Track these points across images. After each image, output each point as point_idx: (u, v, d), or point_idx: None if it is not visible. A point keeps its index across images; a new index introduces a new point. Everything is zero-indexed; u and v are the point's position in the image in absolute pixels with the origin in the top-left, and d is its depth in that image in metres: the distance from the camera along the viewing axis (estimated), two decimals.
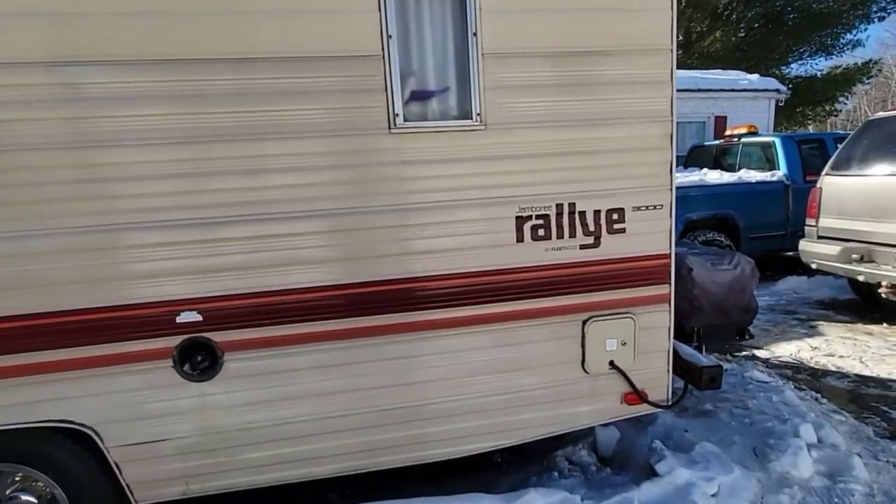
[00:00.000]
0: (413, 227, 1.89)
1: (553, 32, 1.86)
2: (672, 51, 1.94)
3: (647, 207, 2.04)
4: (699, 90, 9.20)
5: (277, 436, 1.92)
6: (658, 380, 2.19)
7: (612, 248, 2.04)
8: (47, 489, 1.91)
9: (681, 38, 17.34)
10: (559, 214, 1.97)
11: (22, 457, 1.83)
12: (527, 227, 1.95)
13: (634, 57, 1.93)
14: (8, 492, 1.93)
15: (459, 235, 1.92)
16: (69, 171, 1.64)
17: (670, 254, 2.09)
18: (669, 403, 2.22)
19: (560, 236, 1.98)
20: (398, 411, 1.98)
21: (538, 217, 1.95)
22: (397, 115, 1.79)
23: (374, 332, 1.91)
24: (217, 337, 1.81)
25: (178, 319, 1.77)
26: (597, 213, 2.00)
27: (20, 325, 1.64)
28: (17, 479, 1.92)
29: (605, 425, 2.73)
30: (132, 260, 1.72)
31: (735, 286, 2.83)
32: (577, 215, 1.98)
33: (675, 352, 2.36)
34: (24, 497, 1.93)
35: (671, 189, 2.04)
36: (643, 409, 2.20)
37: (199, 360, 1.82)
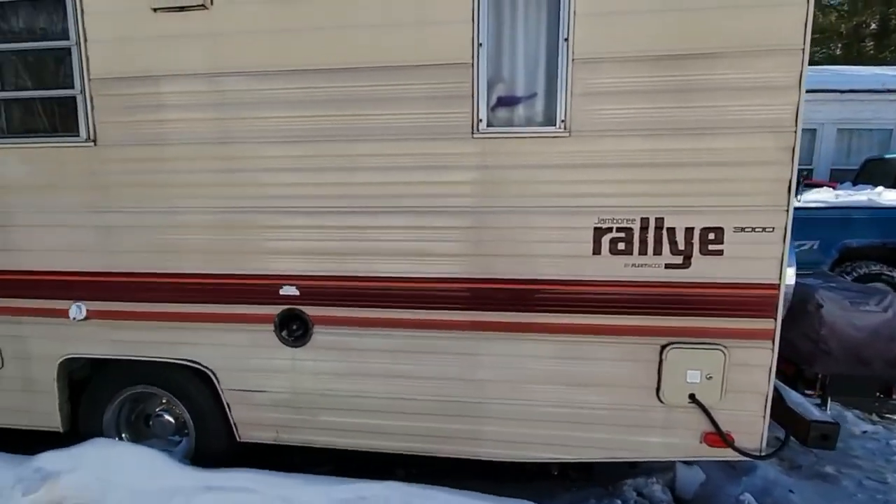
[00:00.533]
0: (487, 229, 1.94)
1: (654, 35, 1.75)
2: (804, 51, 1.68)
3: (753, 229, 1.80)
4: (887, 90, 7.47)
5: (351, 406, 2.15)
6: (750, 425, 1.92)
7: (704, 270, 1.84)
8: (181, 414, 2.40)
9: (873, 26, 14.28)
10: (643, 229, 1.84)
11: (166, 384, 2.33)
12: (605, 239, 1.87)
13: (751, 59, 1.71)
14: (157, 409, 2.49)
15: (532, 242, 1.92)
16: (213, 161, 2.04)
17: (779, 284, 1.81)
18: (762, 454, 1.94)
19: (643, 252, 1.86)
20: (457, 404, 2.07)
21: (619, 230, 1.86)
22: (480, 120, 1.86)
23: (441, 326, 2.02)
24: (310, 311, 2.09)
25: (281, 292, 2.08)
26: (689, 230, 1.83)
27: (164, 281, 2.10)
28: (163, 401, 2.45)
29: (689, 464, 2.49)
30: (251, 238, 2.07)
31: (882, 333, 2.34)
32: (664, 231, 1.84)
33: (779, 397, 2.05)
34: (166, 417, 2.47)
35: (787, 210, 1.77)
36: (728, 455, 1.95)
37: (294, 329, 2.12)
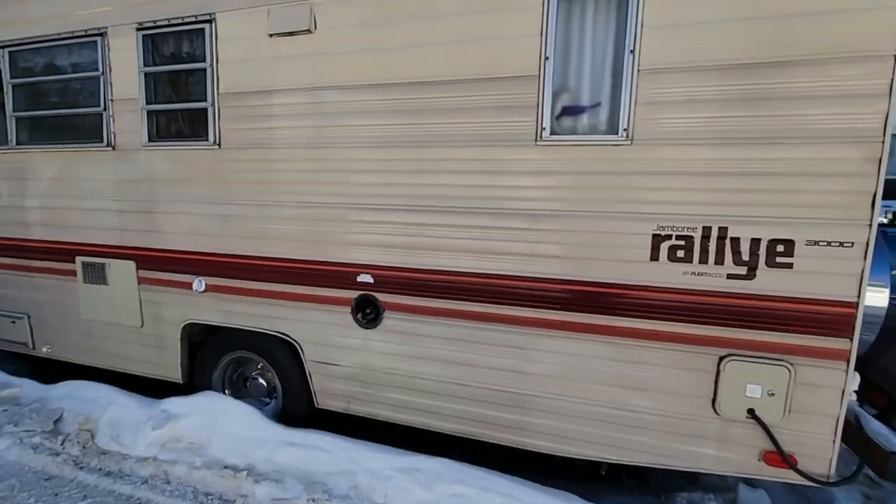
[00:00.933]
0: (544, 231, 2.05)
1: (725, 43, 1.74)
2: (895, 56, 1.58)
3: (829, 243, 1.71)
4: None
5: (411, 385, 2.37)
6: (818, 448, 1.82)
7: (770, 283, 1.79)
8: (272, 379, 2.80)
9: None
10: (705, 238, 1.84)
11: (262, 352, 2.73)
12: (664, 246, 1.89)
13: (834, 66, 1.64)
14: (254, 373, 2.92)
15: (589, 245, 2.00)
16: (309, 163, 2.37)
17: (858, 303, 1.71)
18: (830, 480, 1.83)
19: (703, 261, 1.85)
20: (508, 394, 2.20)
21: (679, 238, 1.87)
22: (544, 128, 1.98)
23: (499, 320, 2.17)
24: (382, 297, 2.35)
25: (358, 279, 2.36)
26: (755, 241, 1.79)
27: (264, 263, 2.48)
28: (259, 366, 2.87)
29: (754, 486, 2.39)
30: (336, 230, 2.38)
31: None
32: (727, 241, 1.82)
33: (857, 424, 1.91)
34: (260, 380, 2.89)
35: (870, 224, 1.66)
36: (790, 477, 1.86)
37: (368, 312, 2.39)
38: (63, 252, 3.02)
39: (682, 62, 1.80)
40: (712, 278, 1.86)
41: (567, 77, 1.97)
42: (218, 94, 2.47)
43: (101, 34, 2.66)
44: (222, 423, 2.58)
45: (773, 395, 1.83)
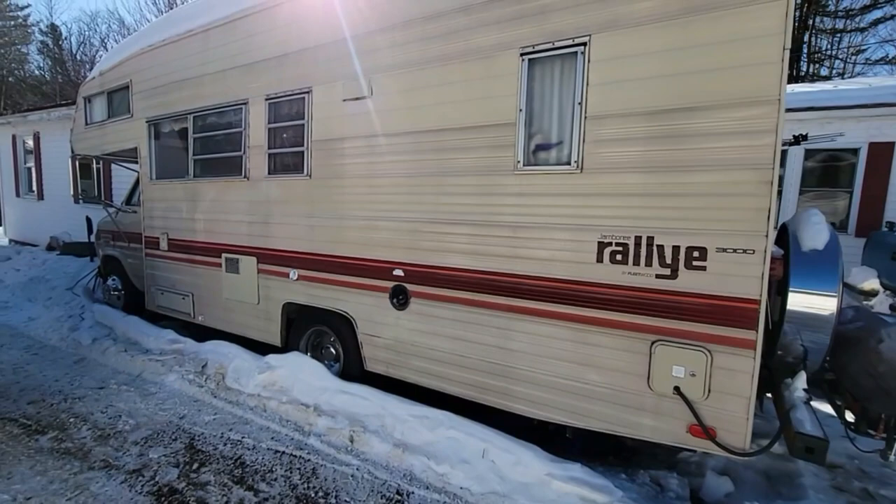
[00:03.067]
0: (520, 238, 2.68)
1: (649, 94, 2.25)
2: (780, 100, 1.96)
3: (734, 250, 2.10)
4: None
5: (429, 356, 3.12)
6: (734, 424, 2.14)
7: (689, 282, 2.20)
8: (338, 348, 3.76)
9: None
10: (637, 245, 2.32)
11: (332, 326, 3.71)
12: (606, 251, 2.40)
13: (733, 109, 2.06)
14: (326, 343, 3.91)
15: (551, 249, 2.58)
16: (363, 188, 3.31)
17: (760, 300, 2.05)
18: (745, 452, 2.12)
19: (636, 263, 2.33)
20: (494, 365, 2.82)
21: (617, 244, 2.37)
22: (519, 161, 2.64)
23: (486, 306, 2.83)
24: (409, 287, 3.16)
25: (393, 272, 3.21)
26: (675, 248, 2.23)
27: (334, 260, 3.46)
28: (331, 339, 3.86)
29: (720, 474, 2.66)
30: (380, 236, 3.26)
31: None
32: (654, 248, 2.28)
33: (780, 405, 2.19)
34: (330, 349, 3.87)
35: (767, 235, 2.02)
36: (712, 448, 2.20)
37: (400, 298, 3.21)
38: (214, 250, 4.39)
39: (617, 110, 2.34)
40: (644, 277, 2.32)
41: (534, 123, 2.62)
42: (311, 141, 3.56)
43: (244, 103, 3.97)
44: (302, 375, 3.59)
45: (694, 375, 2.21)
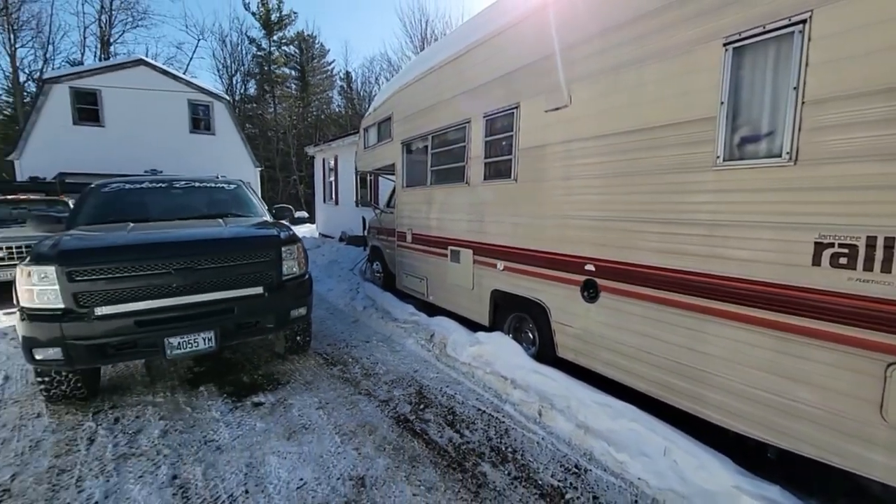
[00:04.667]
0: (717, 237, 2.55)
1: (889, 68, 1.88)
2: None
3: None
4: None
5: (615, 349, 3.23)
6: None
7: None
8: (535, 333, 4.19)
9: None
10: (870, 247, 1.96)
11: (530, 313, 4.16)
12: (826, 253, 2.09)
13: None
14: (525, 328, 4.39)
15: (755, 250, 2.37)
16: (559, 189, 3.62)
17: None
18: None
19: (868, 269, 1.96)
20: (684, 366, 2.75)
21: (841, 246, 2.05)
22: (718, 156, 2.52)
23: (677, 305, 2.77)
24: (599, 281, 3.33)
25: (586, 267, 3.43)
26: None
27: (534, 254, 3.88)
28: (529, 326, 4.32)
29: None
30: (573, 233, 3.52)
31: None
32: (894, 251, 1.89)
33: None
34: (528, 334, 4.33)
35: None
36: None
37: (591, 291, 3.42)
38: (443, 243, 5.41)
39: (843, 91, 2.02)
40: (880, 286, 1.94)
41: (737, 115, 2.44)
42: (518, 149, 4.08)
43: (467, 122, 4.78)
44: (503, 352, 4.16)
45: None
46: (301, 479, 2.76)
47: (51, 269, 3.29)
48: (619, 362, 3.22)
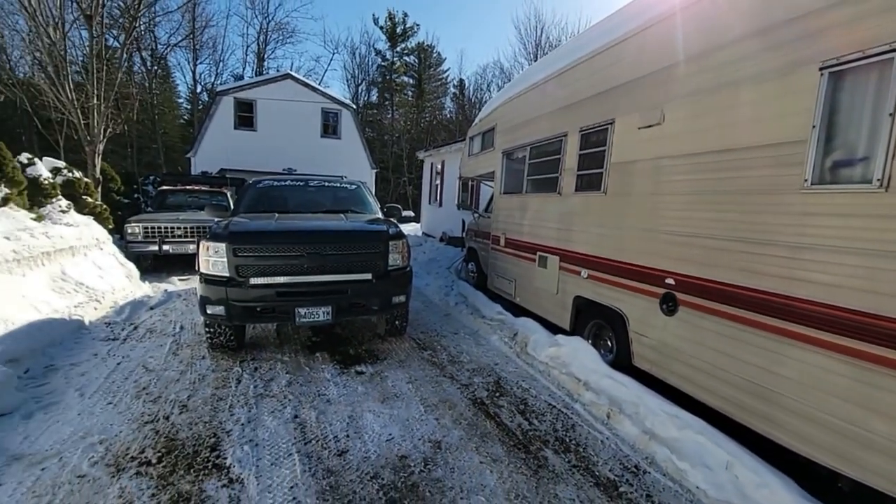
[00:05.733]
0: (800, 260, 2.54)
1: None
2: None
3: None
4: None
5: (690, 363, 3.28)
6: None
7: None
8: (613, 341, 4.32)
9: None
10: None
11: (608, 321, 4.30)
12: None
13: None
14: (603, 337, 4.52)
15: (840, 275, 2.34)
16: (646, 203, 3.74)
17: None
18: None
19: None
20: (757, 387, 2.75)
21: None
22: (806, 179, 2.52)
23: (754, 325, 2.78)
24: (678, 295, 3.40)
25: (666, 280, 3.52)
26: None
27: (616, 264, 4.03)
28: (608, 333, 4.45)
29: None
30: (657, 246, 3.62)
31: None
32: None
33: None
34: (607, 341, 4.46)
35: None
36: None
37: (669, 305, 3.50)
38: (532, 248, 5.72)
39: None
40: None
41: (829, 139, 2.42)
42: (609, 164, 4.25)
43: (564, 135, 5.03)
44: (580, 356, 4.36)
45: None
46: (390, 434, 3.32)
47: (222, 246, 4.31)
48: (693, 376, 3.27)
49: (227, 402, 3.78)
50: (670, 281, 3.47)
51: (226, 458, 2.97)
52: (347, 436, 3.29)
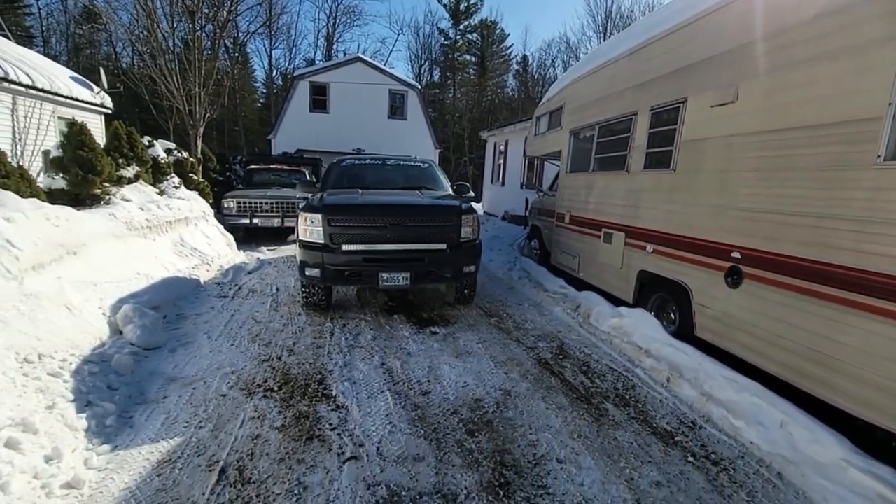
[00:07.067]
0: (869, 233, 2.63)
1: None
2: None
3: None
4: None
5: (752, 332, 3.44)
6: None
7: None
8: (675, 312, 4.49)
9: None
10: None
11: (671, 293, 4.47)
12: None
13: None
14: (667, 307, 4.69)
15: None
16: (717, 180, 3.85)
17: None
18: None
19: None
20: (819, 354, 2.90)
21: None
22: (879, 155, 2.59)
23: (818, 295, 2.90)
24: (744, 269, 3.54)
25: (732, 254, 3.65)
26: None
27: (682, 239, 4.18)
28: (671, 306, 4.62)
29: None
30: (725, 220, 3.74)
31: None
32: None
33: None
34: (670, 314, 4.63)
35: None
36: None
37: (734, 277, 3.64)
38: (597, 225, 5.91)
39: None
40: None
41: None
42: (680, 142, 4.35)
43: (634, 114, 5.13)
44: (642, 326, 4.58)
45: None
46: (465, 382, 3.80)
47: (318, 217, 4.96)
48: (754, 345, 3.43)
49: (325, 349, 4.45)
50: (736, 255, 3.61)
51: (331, 391, 3.60)
52: (429, 381, 3.81)
